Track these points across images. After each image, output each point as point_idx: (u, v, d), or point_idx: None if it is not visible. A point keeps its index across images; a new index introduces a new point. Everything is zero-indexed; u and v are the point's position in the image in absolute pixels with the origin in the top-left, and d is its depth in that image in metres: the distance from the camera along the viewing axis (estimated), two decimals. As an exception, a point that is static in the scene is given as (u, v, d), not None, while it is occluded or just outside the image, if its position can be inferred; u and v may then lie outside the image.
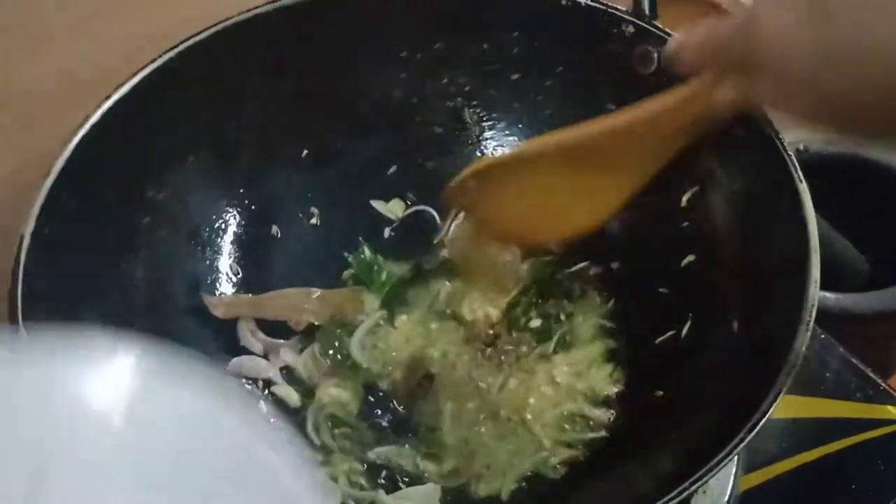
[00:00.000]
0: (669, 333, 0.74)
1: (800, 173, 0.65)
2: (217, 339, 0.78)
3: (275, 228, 0.83)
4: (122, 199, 0.73)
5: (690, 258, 0.76)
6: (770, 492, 0.77)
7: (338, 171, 0.84)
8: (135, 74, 0.73)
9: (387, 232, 0.85)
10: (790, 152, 0.66)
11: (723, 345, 0.68)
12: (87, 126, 0.70)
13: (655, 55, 0.75)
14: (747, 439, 0.54)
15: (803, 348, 0.58)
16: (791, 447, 0.78)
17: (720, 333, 0.69)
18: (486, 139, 0.86)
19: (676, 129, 0.65)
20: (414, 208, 0.86)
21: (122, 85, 0.72)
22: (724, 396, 0.64)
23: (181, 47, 0.74)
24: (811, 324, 0.58)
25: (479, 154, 0.86)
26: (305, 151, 0.83)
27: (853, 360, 0.83)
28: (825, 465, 0.79)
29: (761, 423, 0.54)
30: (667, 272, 0.76)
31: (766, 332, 0.64)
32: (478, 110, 0.85)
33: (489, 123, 0.85)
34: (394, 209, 0.86)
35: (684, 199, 0.76)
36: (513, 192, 0.74)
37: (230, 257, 0.81)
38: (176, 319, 0.76)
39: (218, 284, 0.80)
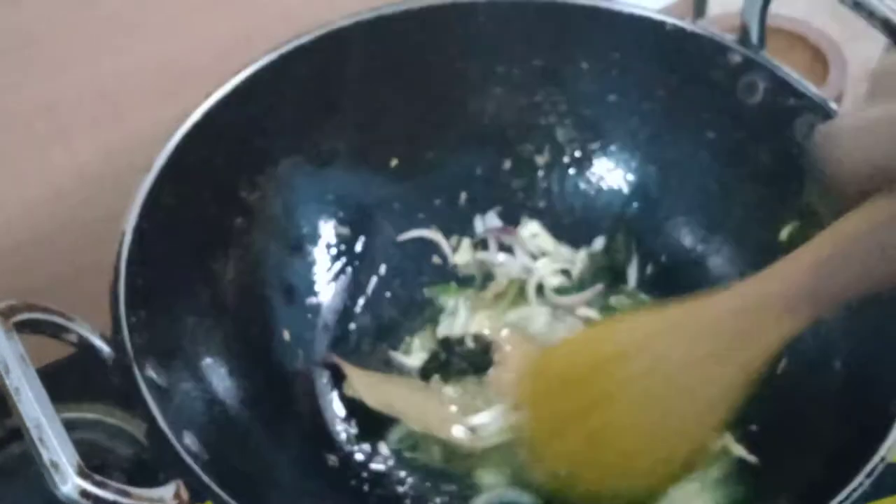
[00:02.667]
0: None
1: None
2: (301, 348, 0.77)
3: (362, 241, 0.82)
4: (217, 198, 0.73)
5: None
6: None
7: (429, 181, 0.83)
8: (237, 73, 0.72)
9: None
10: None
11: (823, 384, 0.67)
12: (189, 123, 0.69)
13: (761, 86, 0.74)
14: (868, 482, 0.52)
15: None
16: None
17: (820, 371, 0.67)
18: (578, 160, 0.85)
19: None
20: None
21: (223, 84, 0.72)
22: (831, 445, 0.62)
23: (283, 49, 0.74)
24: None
25: (569, 174, 0.85)
26: (396, 161, 0.82)
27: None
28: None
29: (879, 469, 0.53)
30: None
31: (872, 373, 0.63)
32: (571, 130, 0.84)
33: (581, 144, 0.84)
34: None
35: (784, 232, 0.75)
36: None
37: (320, 264, 0.80)
38: (265, 322, 0.75)
39: (311, 291, 0.79)
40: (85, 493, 0.48)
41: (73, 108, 0.79)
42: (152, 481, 0.54)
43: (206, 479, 0.54)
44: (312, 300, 0.79)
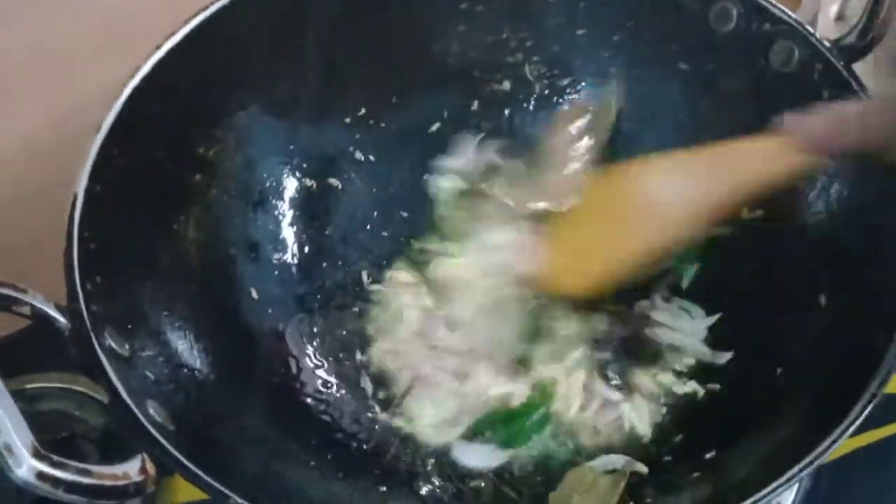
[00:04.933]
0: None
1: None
2: (271, 303, 0.75)
3: (334, 182, 0.80)
4: (173, 155, 0.70)
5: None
6: (838, 469, 0.75)
7: (394, 127, 0.80)
8: (186, 23, 0.69)
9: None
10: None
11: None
12: (138, 78, 0.66)
13: (735, 12, 0.71)
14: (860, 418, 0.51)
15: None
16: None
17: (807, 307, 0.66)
18: (548, 97, 0.82)
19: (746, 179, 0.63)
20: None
21: (172, 34, 0.68)
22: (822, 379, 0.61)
23: (233, -4, 0.71)
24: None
25: (541, 113, 0.82)
26: (363, 110, 0.79)
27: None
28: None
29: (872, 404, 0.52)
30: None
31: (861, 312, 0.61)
32: (539, 66, 0.81)
33: (551, 81, 0.81)
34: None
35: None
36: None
37: (285, 218, 0.77)
38: (229, 282, 0.72)
39: (275, 248, 0.76)
40: (42, 476, 0.46)
41: (15, 69, 0.76)
42: (126, 452, 0.52)
43: (172, 450, 0.52)
44: (279, 256, 0.76)
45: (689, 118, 0.77)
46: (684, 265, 0.76)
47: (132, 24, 0.77)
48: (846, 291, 0.64)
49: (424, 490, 0.69)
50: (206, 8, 0.70)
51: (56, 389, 0.74)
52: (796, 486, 0.73)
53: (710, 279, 0.76)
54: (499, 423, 0.71)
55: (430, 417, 0.72)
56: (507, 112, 0.82)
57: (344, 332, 0.76)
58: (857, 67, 0.68)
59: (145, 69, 0.66)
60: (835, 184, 0.67)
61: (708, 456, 0.64)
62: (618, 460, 0.67)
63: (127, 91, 0.65)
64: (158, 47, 0.68)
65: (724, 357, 0.72)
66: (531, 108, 0.82)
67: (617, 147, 0.80)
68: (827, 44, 0.68)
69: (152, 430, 0.53)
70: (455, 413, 0.72)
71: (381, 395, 0.74)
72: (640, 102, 0.79)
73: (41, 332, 0.58)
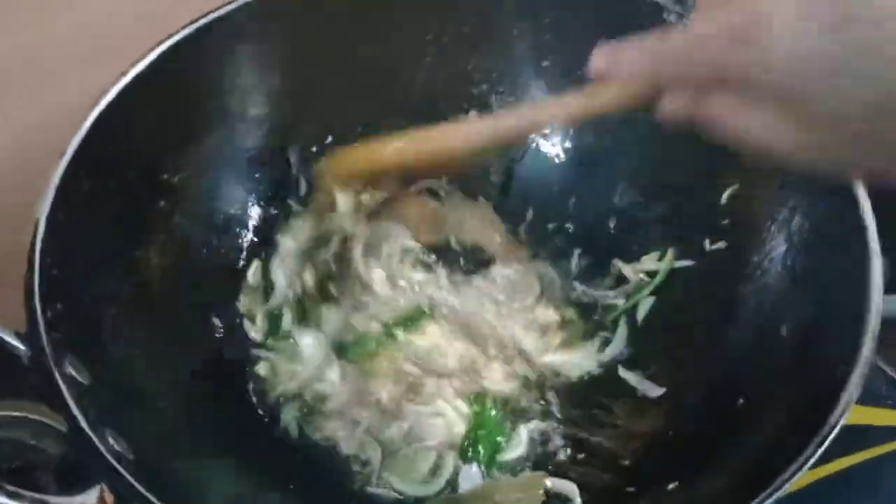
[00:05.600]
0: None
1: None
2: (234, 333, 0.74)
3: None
4: (138, 181, 0.69)
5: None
6: (799, 500, 0.75)
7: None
8: (151, 50, 0.69)
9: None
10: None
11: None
12: (103, 104, 0.66)
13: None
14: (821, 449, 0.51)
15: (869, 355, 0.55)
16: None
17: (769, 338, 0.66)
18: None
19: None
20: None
21: (137, 62, 0.68)
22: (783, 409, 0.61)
23: (201, 22, 0.71)
24: (876, 331, 0.56)
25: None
26: (330, 138, 0.79)
27: (882, 367, 0.80)
28: (855, 473, 0.76)
29: (832, 435, 0.52)
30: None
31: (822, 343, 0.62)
32: (505, 97, 0.82)
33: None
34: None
35: (724, 196, 0.73)
36: None
37: (249, 246, 0.77)
38: (194, 308, 0.72)
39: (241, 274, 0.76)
40: (-5, 506, 0.45)
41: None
42: (85, 482, 0.51)
43: (131, 480, 0.51)
44: (243, 283, 0.76)
45: (658, 151, 0.77)
46: (641, 297, 0.77)
47: (101, 42, 0.76)
48: (808, 322, 0.64)
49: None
50: (171, 36, 0.70)
51: (12, 418, 0.73)
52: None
53: (667, 311, 0.77)
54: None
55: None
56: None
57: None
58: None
59: (110, 96, 0.66)
60: (796, 216, 0.68)
61: (670, 487, 0.64)
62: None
63: (92, 116, 0.65)
64: (124, 74, 0.67)
65: (657, 391, 0.72)
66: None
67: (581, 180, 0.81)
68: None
69: (111, 460, 0.52)
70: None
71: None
72: (606, 134, 0.80)
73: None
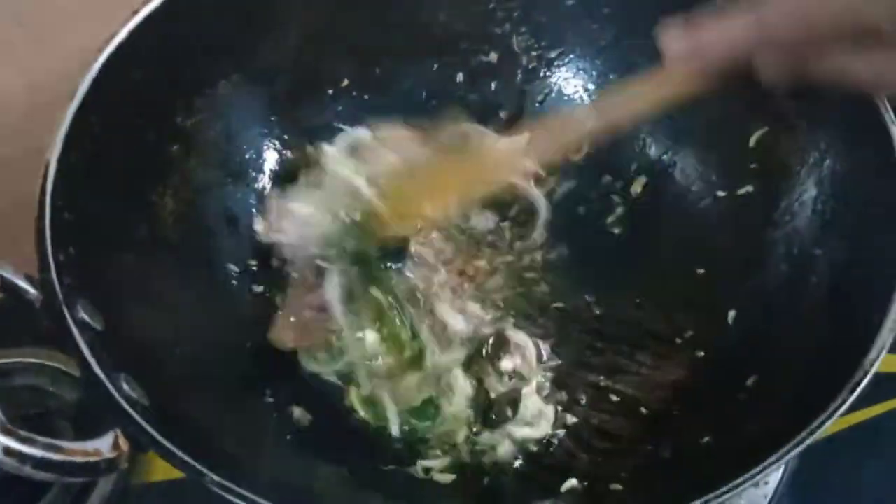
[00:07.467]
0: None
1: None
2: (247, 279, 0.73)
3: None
4: (150, 124, 0.68)
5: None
6: (825, 450, 0.74)
7: (377, 100, 0.78)
8: (163, -11, 0.67)
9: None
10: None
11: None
12: (114, 45, 0.64)
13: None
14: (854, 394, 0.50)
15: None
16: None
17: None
18: (536, 70, 0.80)
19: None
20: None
21: (148, 1, 0.66)
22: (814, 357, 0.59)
23: (214, -39, 0.69)
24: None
25: (527, 86, 0.80)
26: (346, 81, 0.77)
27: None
28: (886, 421, 0.75)
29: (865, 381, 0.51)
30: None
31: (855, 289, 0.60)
32: (527, 38, 0.79)
33: (539, 53, 0.80)
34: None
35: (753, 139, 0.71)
36: None
37: (265, 190, 0.75)
38: (207, 254, 0.71)
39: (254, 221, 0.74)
40: (9, 451, 0.44)
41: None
42: (100, 428, 0.50)
43: (146, 426, 0.50)
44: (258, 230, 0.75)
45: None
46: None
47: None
48: (839, 267, 0.63)
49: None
50: (185, -26, 0.68)
51: (29, 364, 0.73)
52: (783, 466, 0.72)
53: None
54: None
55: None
56: (493, 85, 0.81)
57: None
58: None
59: (121, 36, 0.65)
60: (827, 159, 0.66)
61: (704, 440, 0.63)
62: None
63: (102, 58, 0.63)
64: (135, 13, 0.66)
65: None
66: (518, 80, 0.80)
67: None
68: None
69: (125, 406, 0.51)
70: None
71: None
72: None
73: (13, 305, 0.56)
